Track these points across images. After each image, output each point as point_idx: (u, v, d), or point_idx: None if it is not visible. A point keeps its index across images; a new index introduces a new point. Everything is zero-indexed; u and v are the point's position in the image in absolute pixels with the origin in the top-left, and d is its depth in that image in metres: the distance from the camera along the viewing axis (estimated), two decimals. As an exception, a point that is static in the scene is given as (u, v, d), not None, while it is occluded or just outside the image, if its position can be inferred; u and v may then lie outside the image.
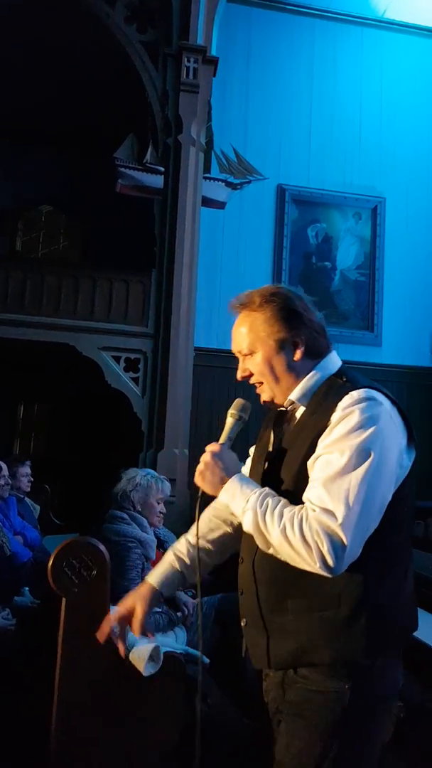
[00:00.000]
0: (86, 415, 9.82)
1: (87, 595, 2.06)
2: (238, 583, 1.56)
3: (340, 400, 1.36)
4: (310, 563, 1.27)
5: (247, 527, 1.37)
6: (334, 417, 1.35)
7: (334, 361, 1.49)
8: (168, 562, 1.73)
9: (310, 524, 1.27)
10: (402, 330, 8.17)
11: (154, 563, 3.13)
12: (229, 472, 1.45)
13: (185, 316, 6.72)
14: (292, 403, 1.48)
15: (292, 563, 1.31)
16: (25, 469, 4.93)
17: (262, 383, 1.51)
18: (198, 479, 1.49)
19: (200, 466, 1.48)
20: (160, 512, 3.22)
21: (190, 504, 6.30)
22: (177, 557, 1.71)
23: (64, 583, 2.04)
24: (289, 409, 1.51)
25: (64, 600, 2.05)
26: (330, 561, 1.24)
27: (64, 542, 2.08)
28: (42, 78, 8.46)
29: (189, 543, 1.69)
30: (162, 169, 7.03)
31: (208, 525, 1.69)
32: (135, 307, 7.07)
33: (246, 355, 1.51)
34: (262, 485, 1.42)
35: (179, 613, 2.95)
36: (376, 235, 8.57)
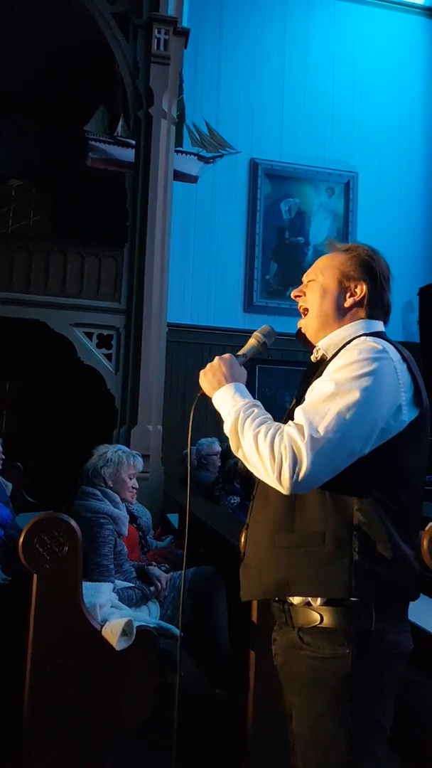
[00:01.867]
0: (59, 392, 9.75)
1: (59, 571, 2.07)
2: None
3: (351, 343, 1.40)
4: (269, 473, 1.30)
5: (227, 428, 1.41)
6: (339, 353, 1.40)
7: (376, 326, 1.50)
8: None
9: (282, 437, 1.30)
10: (374, 305, 8.19)
11: (127, 539, 3.15)
12: (229, 378, 1.49)
13: (158, 291, 6.66)
14: (320, 353, 1.51)
15: (255, 472, 1.36)
16: (-3, 447, 4.87)
17: (307, 311, 1.56)
18: (201, 377, 1.53)
19: (206, 367, 1.53)
20: (133, 487, 3.22)
21: (163, 480, 6.33)
22: None
23: (35, 560, 2.04)
24: (316, 356, 1.54)
25: (35, 576, 2.05)
26: (286, 475, 1.27)
27: (35, 518, 2.08)
28: (9, 49, 8.22)
29: None
30: (133, 142, 6.91)
31: None
32: (107, 282, 7.00)
33: (311, 280, 1.56)
34: None
35: (152, 588, 2.97)
36: (348, 210, 8.57)
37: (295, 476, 1.27)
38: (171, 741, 1.79)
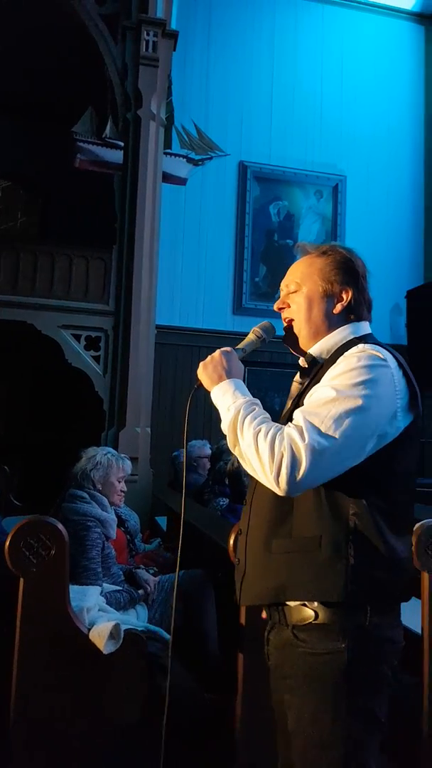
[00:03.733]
0: (46, 395, 9.69)
1: (45, 574, 2.05)
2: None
3: (349, 349, 1.41)
4: (266, 473, 1.30)
5: (225, 424, 1.41)
6: (338, 359, 1.40)
7: (364, 328, 1.51)
8: None
9: (283, 437, 1.30)
10: (362, 308, 8.23)
11: (115, 542, 3.13)
12: (229, 373, 1.48)
13: (146, 293, 6.64)
14: (312, 358, 1.51)
15: (250, 470, 1.35)
16: (-16, 450, 4.84)
17: (292, 321, 1.54)
18: (200, 370, 1.52)
19: (206, 359, 1.52)
20: (122, 491, 3.21)
21: (152, 483, 6.30)
22: None
23: (21, 563, 2.02)
24: (306, 361, 1.53)
25: (22, 580, 2.03)
26: (284, 475, 1.27)
27: (22, 521, 2.06)
28: (-3, 47, 8.18)
29: None
30: (122, 144, 6.90)
31: None
32: (95, 284, 6.96)
33: (292, 292, 1.55)
34: None
35: (140, 591, 2.96)
36: (337, 213, 8.60)
37: (293, 477, 1.27)
38: (160, 744, 1.78)
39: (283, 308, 1.57)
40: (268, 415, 1.40)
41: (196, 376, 1.54)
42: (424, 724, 2.02)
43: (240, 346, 1.58)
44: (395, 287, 8.19)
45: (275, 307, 1.59)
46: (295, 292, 1.54)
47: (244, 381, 1.51)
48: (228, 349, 1.53)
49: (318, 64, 8.75)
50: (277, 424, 1.37)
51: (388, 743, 1.45)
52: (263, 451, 1.31)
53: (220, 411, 1.45)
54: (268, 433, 1.32)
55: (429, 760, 2.02)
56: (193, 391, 1.56)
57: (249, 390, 1.49)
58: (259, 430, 1.33)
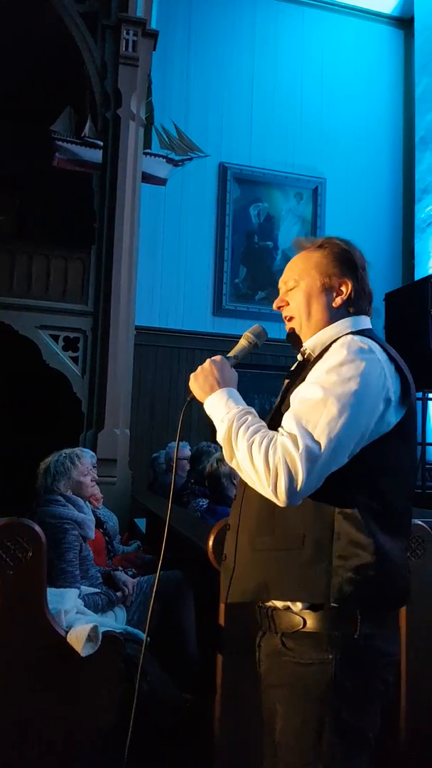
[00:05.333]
0: (24, 396, 9.60)
1: (22, 577, 2.03)
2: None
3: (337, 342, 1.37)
4: (264, 485, 1.27)
5: (220, 436, 1.37)
6: (325, 354, 1.36)
7: (361, 322, 1.47)
8: None
9: (276, 448, 1.27)
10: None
11: (93, 544, 3.11)
12: (221, 383, 1.44)
13: (126, 294, 6.61)
14: (307, 353, 1.47)
15: (249, 482, 1.32)
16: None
17: (293, 318, 1.51)
18: (191, 381, 1.48)
19: (197, 370, 1.48)
20: (93, 480, 3.19)
21: (131, 484, 6.27)
22: None
23: (-2, 566, 2.00)
24: (302, 355, 1.49)
25: (-2, 582, 2.01)
26: (282, 487, 1.24)
27: (-1, 524, 2.04)
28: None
29: None
30: (101, 143, 6.86)
31: None
32: (74, 284, 6.91)
33: (290, 289, 1.51)
34: None
35: (119, 593, 2.94)
36: (316, 216, 8.64)
37: (291, 488, 1.24)
38: (139, 746, 1.77)
39: (283, 306, 1.52)
40: (262, 422, 1.37)
41: (188, 387, 1.50)
42: (401, 734, 2.03)
43: (231, 353, 1.53)
44: (374, 290, 8.22)
45: (274, 305, 1.54)
46: (293, 288, 1.50)
47: (237, 388, 1.47)
48: (218, 357, 1.48)
49: (298, 67, 8.78)
50: (270, 432, 1.32)
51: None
52: (258, 464, 1.28)
53: (214, 423, 1.41)
54: (261, 444, 1.29)
55: None
56: (185, 404, 1.52)
57: (246, 392, 1.45)
58: (253, 442, 1.30)
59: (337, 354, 1.33)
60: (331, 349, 1.36)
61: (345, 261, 1.48)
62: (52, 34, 7.16)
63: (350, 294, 1.47)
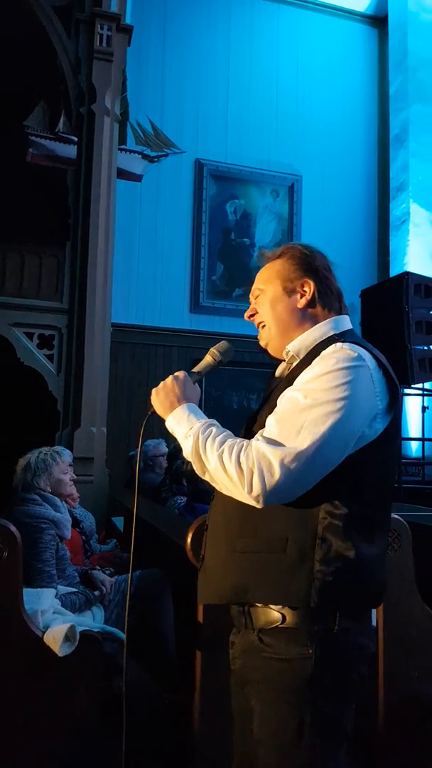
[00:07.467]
0: (-2, 394, 9.50)
1: (-2, 577, 2.00)
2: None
3: (325, 349, 1.38)
4: (240, 489, 1.28)
5: (187, 452, 1.38)
6: (314, 361, 1.37)
7: (343, 323, 1.49)
8: None
9: (249, 452, 1.28)
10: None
11: (70, 544, 3.08)
12: (182, 399, 1.46)
13: (101, 291, 6.56)
14: (290, 356, 1.48)
15: (225, 491, 1.33)
16: None
17: (264, 326, 1.54)
18: (153, 397, 1.50)
19: (159, 385, 1.50)
20: (71, 479, 3.17)
21: (108, 482, 6.24)
22: None
23: (-27, 566, 1.97)
24: (287, 360, 1.50)
25: (-27, 583, 1.98)
26: (257, 489, 1.25)
27: (-27, 524, 2.01)
28: None
29: None
30: (75, 138, 6.80)
31: None
32: (48, 281, 6.84)
33: (256, 297, 1.55)
34: (246, 436, 1.39)
35: (96, 592, 2.92)
36: (293, 213, 8.67)
37: (264, 488, 1.25)
38: (119, 745, 1.75)
39: (254, 315, 1.56)
40: (228, 432, 1.38)
41: (149, 401, 1.51)
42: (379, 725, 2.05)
43: (196, 369, 1.56)
44: (350, 286, 8.16)
45: (246, 316, 1.58)
46: (259, 296, 1.55)
47: (202, 382, 1.48)
48: (180, 374, 1.51)
49: (273, 64, 8.79)
50: (238, 439, 1.34)
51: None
52: (231, 470, 1.28)
53: (178, 439, 1.42)
54: (231, 451, 1.30)
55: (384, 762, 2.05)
56: (147, 417, 1.53)
57: (208, 388, 1.46)
58: (222, 451, 1.31)
59: (326, 362, 1.34)
60: (320, 356, 1.37)
61: (305, 264, 1.52)
62: (23, 26, 7.06)
63: (313, 294, 1.50)
